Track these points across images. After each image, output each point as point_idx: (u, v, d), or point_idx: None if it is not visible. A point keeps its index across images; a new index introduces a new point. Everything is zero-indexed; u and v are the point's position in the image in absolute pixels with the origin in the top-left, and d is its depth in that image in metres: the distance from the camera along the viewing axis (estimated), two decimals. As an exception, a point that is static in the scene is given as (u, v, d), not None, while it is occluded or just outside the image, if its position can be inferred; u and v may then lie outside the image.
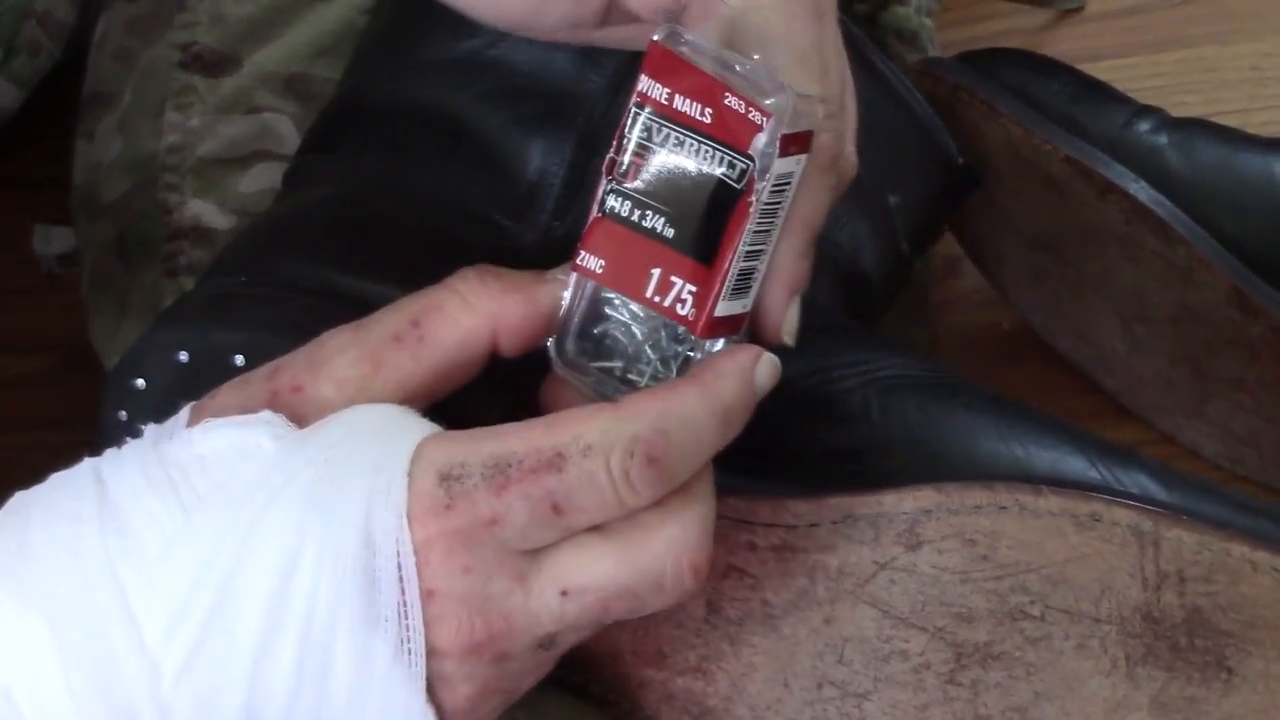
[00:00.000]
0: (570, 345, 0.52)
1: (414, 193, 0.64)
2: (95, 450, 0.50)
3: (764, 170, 0.50)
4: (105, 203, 0.79)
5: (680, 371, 0.51)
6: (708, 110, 0.49)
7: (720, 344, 0.51)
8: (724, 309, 0.51)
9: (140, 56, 0.80)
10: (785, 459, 0.59)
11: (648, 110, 0.50)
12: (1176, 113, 0.79)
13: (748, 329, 0.53)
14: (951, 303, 0.88)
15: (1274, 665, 0.54)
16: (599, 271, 0.51)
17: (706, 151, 0.50)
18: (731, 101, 0.49)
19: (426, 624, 0.47)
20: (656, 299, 0.50)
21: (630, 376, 0.52)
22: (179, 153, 0.78)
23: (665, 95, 0.50)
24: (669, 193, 0.50)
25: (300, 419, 0.49)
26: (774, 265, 0.52)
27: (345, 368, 0.50)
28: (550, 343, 0.52)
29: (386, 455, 0.48)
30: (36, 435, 0.82)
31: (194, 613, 0.46)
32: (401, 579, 0.47)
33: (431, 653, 0.48)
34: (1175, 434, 0.82)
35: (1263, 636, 0.54)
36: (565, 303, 0.52)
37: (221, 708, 0.47)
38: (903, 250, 0.74)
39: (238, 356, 0.56)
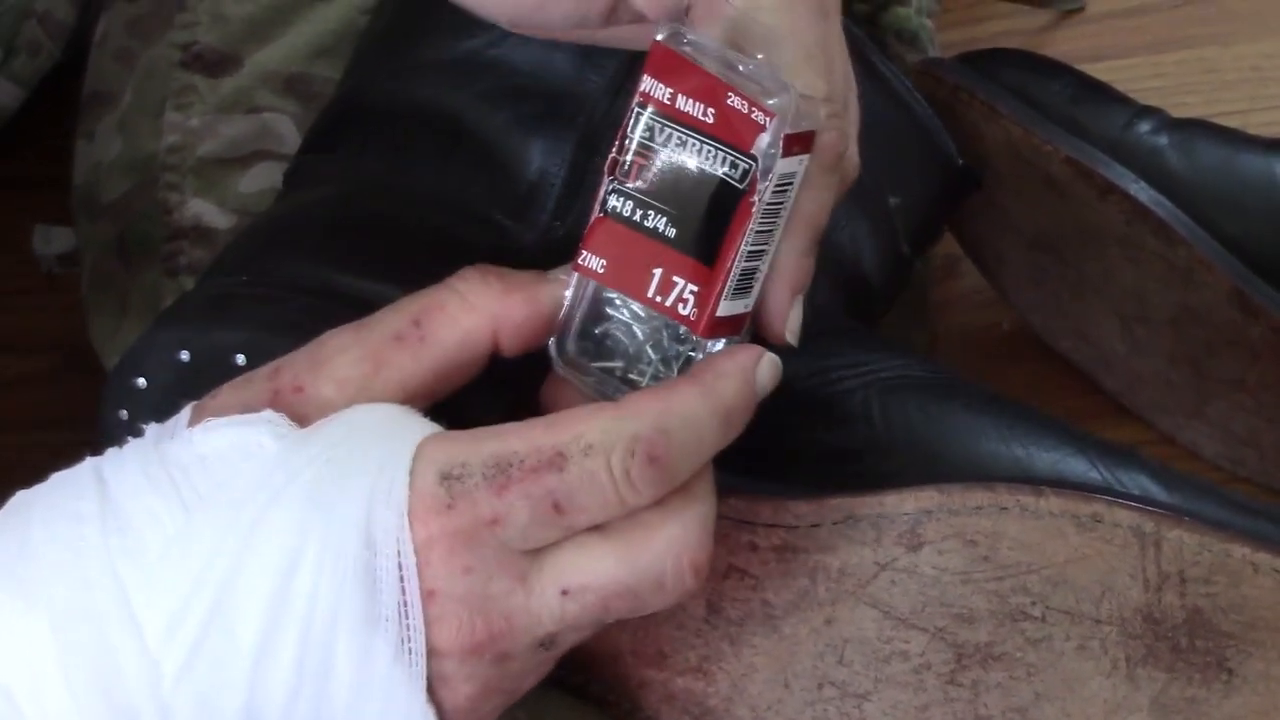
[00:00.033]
0: (571, 345, 0.52)
1: (414, 193, 0.64)
2: (96, 450, 0.50)
3: (767, 170, 0.50)
4: (105, 203, 0.79)
5: (681, 372, 0.51)
6: (710, 110, 0.49)
7: (721, 344, 0.51)
8: (726, 309, 0.51)
9: (140, 56, 0.80)
10: (785, 459, 0.59)
11: (650, 110, 0.50)
12: (1177, 113, 0.79)
13: (750, 329, 0.53)
14: (951, 303, 0.88)
15: (1274, 666, 0.54)
16: (600, 271, 0.51)
17: (709, 151, 0.50)
18: (734, 101, 0.49)
19: (427, 624, 0.47)
20: (658, 299, 0.50)
21: (631, 376, 0.52)
22: (179, 152, 0.77)
23: (668, 95, 0.50)
24: (671, 193, 0.50)
25: (301, 419, 0.49)
26: (777, 265, 0.52)
27: (346, 367, 0.50)
28: (551, 342, 0.52)
29: (388, 455, 0.48)
30: (36, 435, 0.81)
31: (195, 612, 0.46)
32: (402, 579, 0.47)
33: (432, 653, 0.48)
34: (1175, 434, 0.82)
35: (1263, 638, 0.54)
36: (566, 302, 0.52)
37: (222, 707, 0.47)
38: (903, 251, 0.74)
39: (239, 356, 0.56)
